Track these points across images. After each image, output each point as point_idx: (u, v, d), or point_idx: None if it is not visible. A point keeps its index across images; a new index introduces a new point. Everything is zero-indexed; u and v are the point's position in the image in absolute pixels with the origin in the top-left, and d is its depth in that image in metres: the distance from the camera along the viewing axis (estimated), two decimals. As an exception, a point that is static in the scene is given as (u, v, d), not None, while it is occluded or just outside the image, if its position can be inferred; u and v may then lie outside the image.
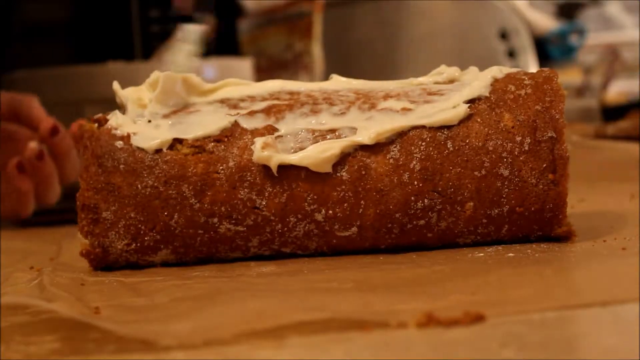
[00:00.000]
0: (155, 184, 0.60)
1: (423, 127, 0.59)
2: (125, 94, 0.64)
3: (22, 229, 0.89)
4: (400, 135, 0.59)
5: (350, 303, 0.48)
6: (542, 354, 0.38)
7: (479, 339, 0.40)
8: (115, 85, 0.65)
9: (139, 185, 0.60)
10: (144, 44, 1.38)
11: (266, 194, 0.59)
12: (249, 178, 0.59)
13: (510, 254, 0.58)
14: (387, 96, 0.62)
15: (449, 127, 0.59)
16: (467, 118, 0.60)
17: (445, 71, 0.64)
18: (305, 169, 0.59)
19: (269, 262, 0.61)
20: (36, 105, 0.84)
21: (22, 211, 0.84)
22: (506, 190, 0.59)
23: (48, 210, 0.88)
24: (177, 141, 0.60)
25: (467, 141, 0.59)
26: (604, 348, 0.38)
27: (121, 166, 0.60)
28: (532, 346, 0.39)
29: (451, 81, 0.63)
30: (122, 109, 0.64)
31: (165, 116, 0.62)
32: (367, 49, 1.70)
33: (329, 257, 0.61)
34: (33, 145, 0.79)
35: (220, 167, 0.60)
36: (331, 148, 0.59)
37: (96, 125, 0.62)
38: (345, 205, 0.59)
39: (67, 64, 1.13)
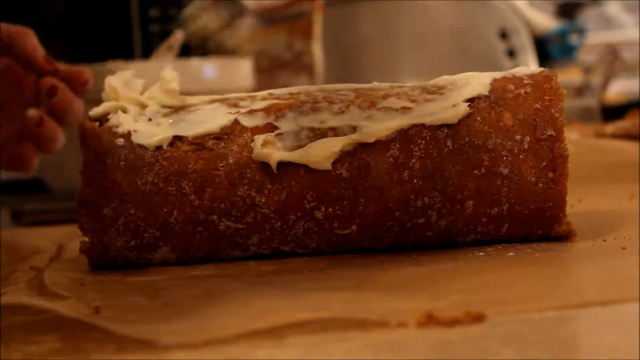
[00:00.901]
0: (155, 181, 0.60)
1: (423, 125, 0.59)
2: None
3: (22, 229, 0.89)
4: (400, 133, 0.59)
5: (350, 302, 0.48)
6: (542, 354, 0.38)
7: (479, 339, 0.40)
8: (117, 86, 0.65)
9: (139, 182, 0.60)
10: (144, 43, 1.38)
11: (266, 192, 0.59)
12: (248, 175, 0.59)
13: (511, 253, 0.58)
14: (387, 95, 0.62)
15: (448, 126, 0.59)
16: (467, 117, 0.60)
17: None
18: (304, 166, 0.59)
19: (269, 262, 0.60)
20: (31, 41, 0.81)
21: (25, 170, 0.83)
22: (506, 188, 0.59)
23: (48, 211, 0.88)
24: (177, 138, 0.61)
25: (467, 140, 0.59)
26: (604, 348, 0.38)
27: (121, 163, 0.60)
28: (532, 346, 0.39)
29: (450, 83, 0.63)
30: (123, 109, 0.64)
31: (166, 115, 0.62)
32: (367, 49, 1.70)
33: (328, 256, 0.61)
34: (32, 113, 0.78)
35: (220, 164, 0.60)
36: (331, 146, 0.59)
37: (97, 123, 0.62)
38: (344, 203, 0.59)
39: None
